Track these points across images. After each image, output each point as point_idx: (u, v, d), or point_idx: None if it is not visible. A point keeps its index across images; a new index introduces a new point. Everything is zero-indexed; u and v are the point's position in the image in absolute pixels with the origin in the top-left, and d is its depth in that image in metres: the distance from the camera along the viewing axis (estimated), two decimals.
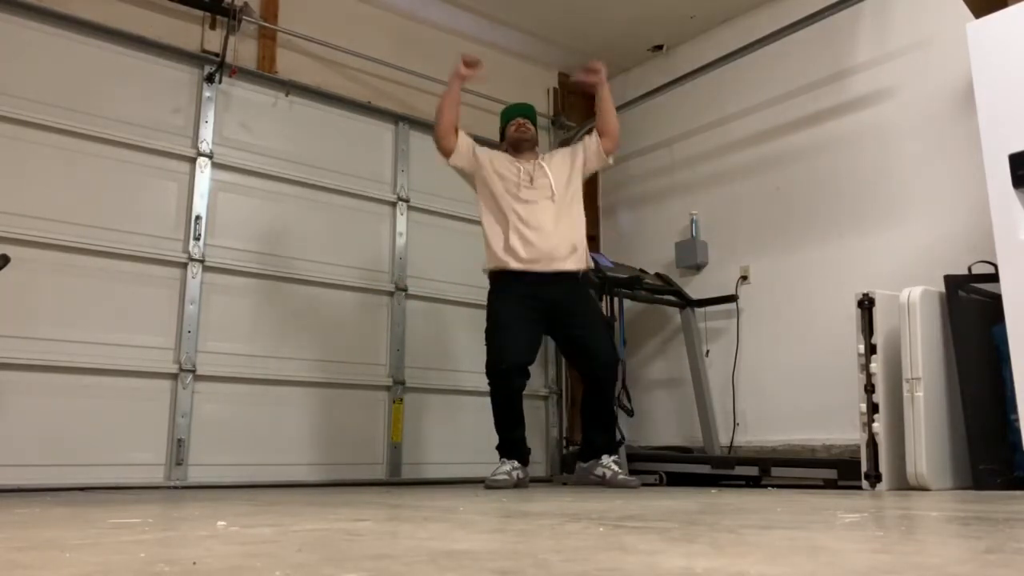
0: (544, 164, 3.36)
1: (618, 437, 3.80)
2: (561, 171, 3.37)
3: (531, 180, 3.30)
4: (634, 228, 4.94)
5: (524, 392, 3.25)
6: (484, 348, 3.22)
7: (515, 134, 3.43)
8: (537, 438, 4.53)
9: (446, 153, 3.34)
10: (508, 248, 3.22)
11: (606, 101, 3.41)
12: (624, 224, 5.02)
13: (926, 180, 3.56)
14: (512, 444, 3.27)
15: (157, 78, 3.63)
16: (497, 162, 3.36)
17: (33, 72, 3.32)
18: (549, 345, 4.75)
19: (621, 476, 3.22)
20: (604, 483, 3.22)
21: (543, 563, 0.93)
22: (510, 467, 3.21)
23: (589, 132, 3.52)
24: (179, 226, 3.57)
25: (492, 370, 3.18)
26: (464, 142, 3.36)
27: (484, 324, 3.25)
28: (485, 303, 3.35)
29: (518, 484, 3.19)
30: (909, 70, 3.68)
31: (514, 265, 3.21)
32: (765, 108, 4.26)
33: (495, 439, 3.31)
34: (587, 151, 3.44)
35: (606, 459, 3.27)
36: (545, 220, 3.25)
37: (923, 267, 3.36)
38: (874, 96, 3.80)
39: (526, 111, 3.52)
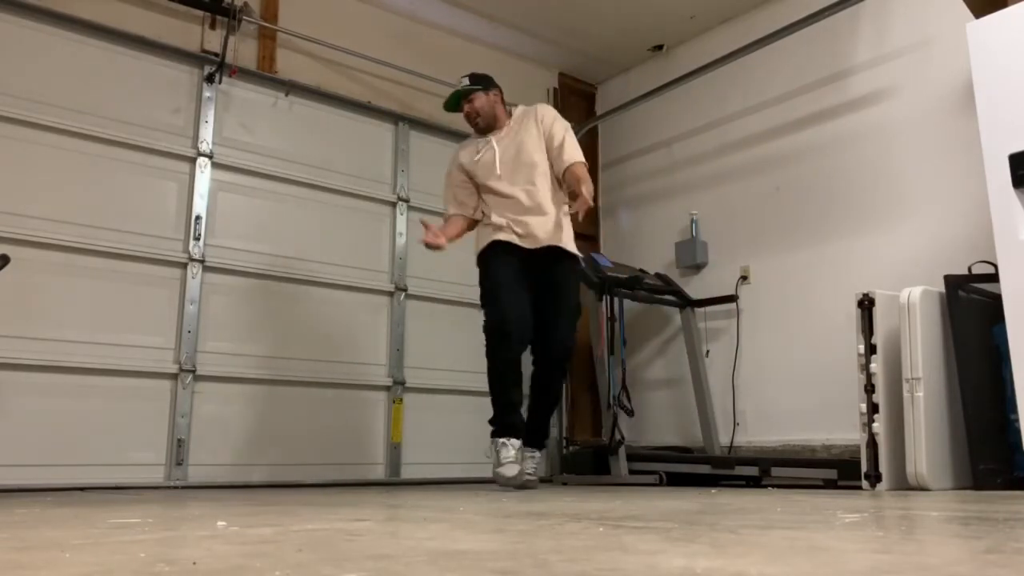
0: (495, 142, 3.21)
1: (617, 437, 3.81)
2: (514, 145, 3.19)
3: (495, 161, 3.18)
4: (634, 228, 4.94)
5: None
6: (483, 347, 3.09)
7: (469, 123, 3.29)
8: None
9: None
10: (496, 230, 3.15)
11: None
12: (624, 224, 5.02)
13: (926, 180, 3.56)
14: (512, 416, 3.03)
15: (157, 78, 3.63)
16: (466, 162, 3.27)
17: (33, 72, 3.32)
18: None
19: (528, 476, 3.09)
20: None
21: (543, 563, 0.93)
22: (513, 450, 2.97)
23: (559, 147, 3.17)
24: (179, 226, 3.57)
25: (493, 328, 3.01)
26: (465, 196, 3.27)
27: (483, 323, 3.15)
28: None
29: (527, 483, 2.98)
30: (909, 70, 3.68)
31: (501, 237, 3.13)
32: (765, 108, 4.26)
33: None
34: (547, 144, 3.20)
35: (526, 451, 3.15)
36: (519, 201, 3.14)
37: (923, 267, 3.36)
38: (874, 96, 3.80)
39: (455, 101, 3.24)
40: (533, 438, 3.21)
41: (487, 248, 3.18)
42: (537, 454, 3.25)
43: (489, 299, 3.11)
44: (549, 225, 3.14)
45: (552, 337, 3.14)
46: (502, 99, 3.30)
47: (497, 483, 2.99)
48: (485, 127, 3.25)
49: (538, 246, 3.13)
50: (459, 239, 3.26)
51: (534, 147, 3.18)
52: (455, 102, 3.25)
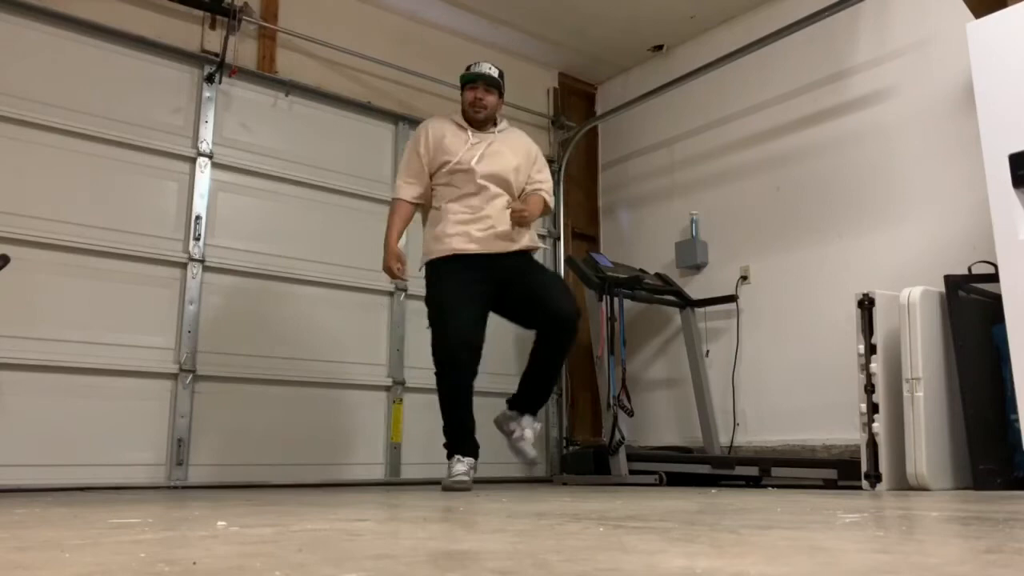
0: (498, 142, 3.18)
1: (618, 437, 3.80)
2: (499, 153, 3.16)
3: (480, 159, 3.10)
4: (634, 228, 4.94)
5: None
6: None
7: (469, 108, 3.19)
8: (537, 438, 4.52)
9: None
10: (452, 235, 3.06)
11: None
12: (624, 224, 5.02)
13: (926, 180, 3.56)
14: (464, 438, 3.04)
15: (157, 78, 3.63)
16: (443, 139, 3.15)
17: (33, 72, 3.32)
18: None
19: (524, 444, 3.15)
20: (510, 439, 3.18)
21: (543, 563, 0.93)
22: (466, 467, 2.98)
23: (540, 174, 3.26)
24: (179, 226, 3.57)
25: (437, 351, 2.98)
26: (422, 181, 3.18)
27: (432, 345, 3.06)
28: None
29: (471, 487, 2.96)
30: (909, 70, 3.68)
31: (458, 247, 3.04)
32: (765, 108, 4.26)
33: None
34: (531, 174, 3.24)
35: (527, 419, 3.18)
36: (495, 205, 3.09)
37: (923, 267, 3.36)
38: (874, 96, 3.80)
39: (473, 78, 3.17)
40: (533, 407, 3.18)
41: (438, 260, 3.07)
42: (538, 424, 3.22)
43: (438, 321, 3.01)
44: (505, 228, 3.07)
45: (551, 304, 3.04)
46: None
47: (442, 489, 2.96)
48: (480, 121, 3.18)
49: (494, 250, 3.05)
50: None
51: (514, 168, 3.15)
52: (472, 79, 3.17)
